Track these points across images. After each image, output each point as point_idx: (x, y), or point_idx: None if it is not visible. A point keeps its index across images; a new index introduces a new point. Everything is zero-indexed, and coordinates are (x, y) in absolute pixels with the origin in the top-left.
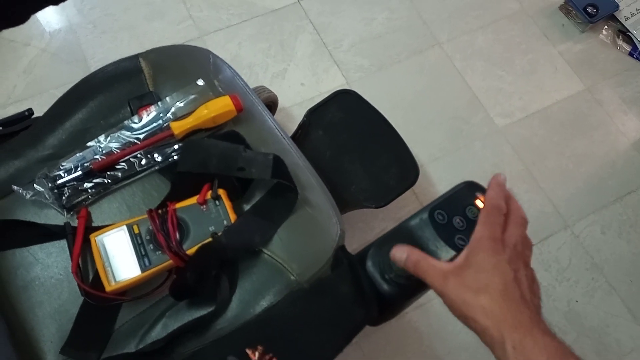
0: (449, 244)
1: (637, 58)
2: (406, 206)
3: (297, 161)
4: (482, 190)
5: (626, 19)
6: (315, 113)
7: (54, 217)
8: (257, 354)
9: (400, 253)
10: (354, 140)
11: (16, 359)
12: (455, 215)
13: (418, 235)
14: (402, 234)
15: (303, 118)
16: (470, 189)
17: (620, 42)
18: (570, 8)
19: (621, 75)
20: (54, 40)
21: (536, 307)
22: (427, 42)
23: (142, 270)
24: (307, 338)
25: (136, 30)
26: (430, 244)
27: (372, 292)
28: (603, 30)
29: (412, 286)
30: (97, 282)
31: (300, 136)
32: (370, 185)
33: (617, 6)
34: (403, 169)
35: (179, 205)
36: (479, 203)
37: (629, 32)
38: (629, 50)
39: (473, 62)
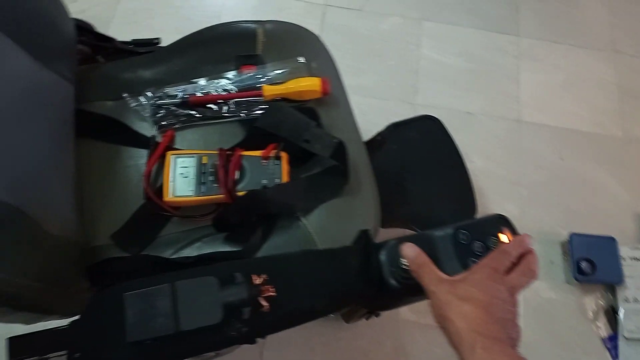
0: (461, 262)
1: (608, 348)
2: None
3: (359, 157)
4: (510, 227)
5: (626, 300)
6: (396, 128)
7: (146, 130)
8: (260, 280)
9: (412, 250)
10: (424, 164)
11: (80, 227)
12: (477, 239)
13: (437, 245)
14: (424, 239)
15: (384, 128)
16: (499, 221)
17: (601, 321)
18: (567, 253)
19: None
20: None
21: (511, 339)
22: None
23: (197, 194)
24: (306, 286)
25: None
26: (444, 257)
27: (376, 276)
28: (591, 296)
29: (410, 287)
30: (159, 193)
31: (375, 143)
32: (423, 211)
33: (622, 280)
34: (461, 206)
35: (245, 153)
36: (502, 236)
37: (617, 314)
38: (606, 335)
39: None
